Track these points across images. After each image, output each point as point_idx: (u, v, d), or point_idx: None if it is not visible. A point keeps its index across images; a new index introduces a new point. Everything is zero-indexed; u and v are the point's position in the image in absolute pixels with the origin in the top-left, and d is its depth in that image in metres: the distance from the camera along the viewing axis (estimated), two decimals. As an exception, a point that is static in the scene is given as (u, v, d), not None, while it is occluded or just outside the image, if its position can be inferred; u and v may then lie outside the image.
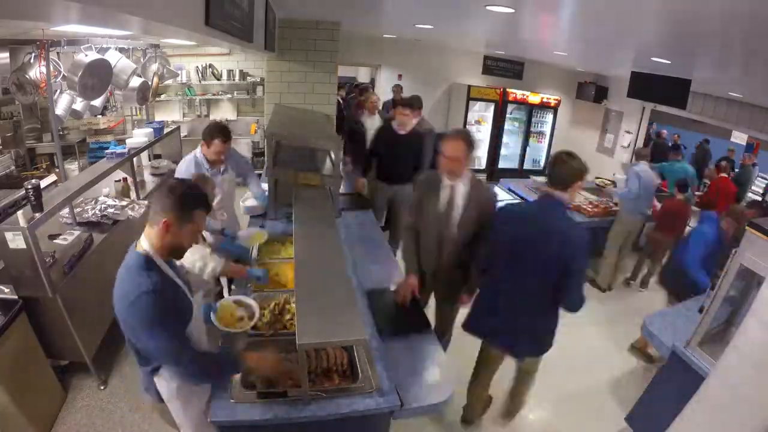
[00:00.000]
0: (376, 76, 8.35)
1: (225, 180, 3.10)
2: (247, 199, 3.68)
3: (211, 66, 6.62)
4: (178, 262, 1.75)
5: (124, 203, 3.52)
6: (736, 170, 7.74)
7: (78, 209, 3.28)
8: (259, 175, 5.77)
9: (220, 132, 2.87)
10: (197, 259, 2.23)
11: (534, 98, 8.36)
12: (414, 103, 4.19)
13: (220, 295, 2.57)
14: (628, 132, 8.15)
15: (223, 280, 2.92)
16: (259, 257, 2.86)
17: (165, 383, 1.65)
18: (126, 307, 1.43)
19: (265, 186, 3.58)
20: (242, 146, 6.66)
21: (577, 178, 2.07)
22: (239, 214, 3.58)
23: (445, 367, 2.15)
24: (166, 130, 4.77)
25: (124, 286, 1.46)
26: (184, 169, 2.91)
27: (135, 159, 3.99)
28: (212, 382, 1.75)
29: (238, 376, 1.83)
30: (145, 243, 1.52)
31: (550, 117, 8.72)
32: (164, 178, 2.42)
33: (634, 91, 5.85)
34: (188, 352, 1.53)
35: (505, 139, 8.57)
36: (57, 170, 4.11)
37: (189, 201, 1.52)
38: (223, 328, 2.01)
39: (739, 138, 7.27)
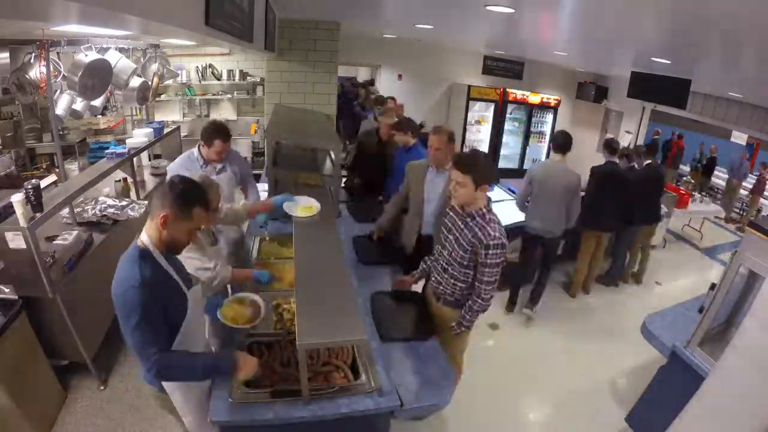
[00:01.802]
0: (376, 76, 8.35)
1: (223, 179, 3.09)
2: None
3: (211, 66, 6.62)
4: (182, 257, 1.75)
5: (124, 203, 3.51)
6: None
7: (78, 209, 3.28)
8: (259, 175, 5.78)
9: (220, 132, 2.84)
10: (209, 269, 2.18)
11: (534, 98, 8.37)
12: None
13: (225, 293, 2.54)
14: (628, 132, 8.16)
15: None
16: (259, 257, 2.86)
17: None
18: (116, 296, 1.49)
19: (263, 192, 3.54)
20: (242, 146, 6.66)
21: None
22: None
23: (445, 367, 2.15)
24: (166, 130, 4.77)
25: (118, 276, 1.52)
26: (176, 167, 2.88)
27: (135, 159, 3.99)
28: (186, 381, 1.70)
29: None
30: (144, 236, 1.55)
31: (550, 117, 8.73)
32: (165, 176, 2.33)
33: (634, 91, 5.86)
34: (157, 351, 1.51)
35: (505, 139, 8.57)
36: (57, 170, 4.10)
37: (188, 198, 1.54)
38: (230, 324, 1.98)
39: (739, 138, 7.29)
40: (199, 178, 2.33)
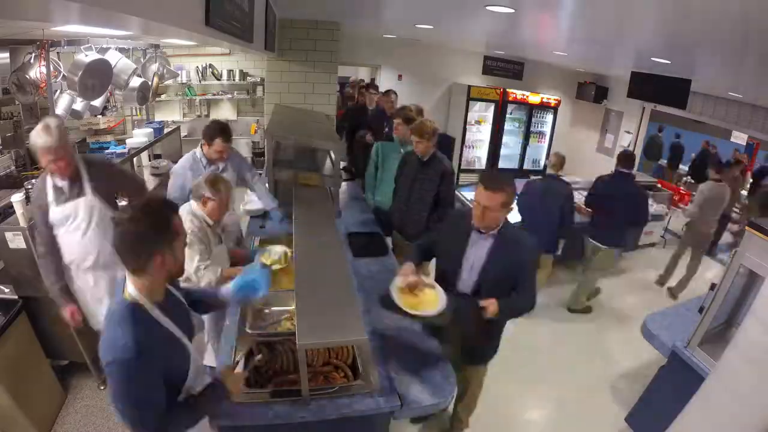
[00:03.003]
0: (376, 76, 8.35)
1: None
2: (248, 203, 3.68)
3: (211, 66, 6.62)
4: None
5: (124, 203, 3.51)
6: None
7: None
8: (259, 175, 5.79)
9: (222, 132, 2.86)
10: (192, 272, 2.23)
11: (534, 98, 8.36)
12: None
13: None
14: (628, 132, 8.15)
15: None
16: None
17: None
18: (105, 364, 1.26)
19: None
20: (242, 146, 6.66)
21: None
22: (239, 214, 3.58)
23: (445, 367, 2.15)
24: (166, 130, 4.78)
25: (106, 341, 1.28)
26: (181, 168, 2.92)
27: (135, 159, 3.99)
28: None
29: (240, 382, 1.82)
30: (132, 290, 1.31)
31: (550, 117, 8.72)
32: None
33: (634, 91, 5.85)
34: (154, 426, 1.32)
35: (505, 139, 8.56)
36: (57, 170, 4.10)
37: (164, 213, 1.32)
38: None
39: (739, 138, 7.28)
40: (208, 176, 2.36)
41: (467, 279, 2.17)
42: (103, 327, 1.33)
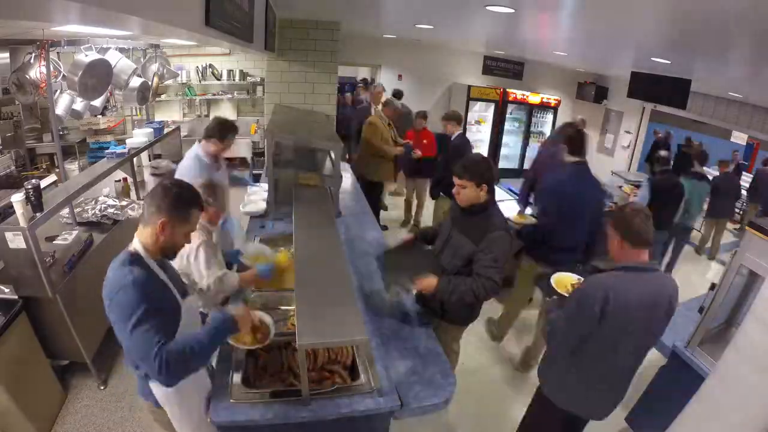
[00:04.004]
0: (376, 76, 8.35)
1: (223, 176, 3.14)
2: (248, 204, 3.69)
3: (211, 66, 6.62)
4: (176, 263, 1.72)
5: (124, 203, 3.52)
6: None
7: (78, 209, 3.28)
8: (259, 175, 5.78)
9: (234, 129, 3.04)
10: (212, 283, 2.16)
11: (534, 98, 8.37)
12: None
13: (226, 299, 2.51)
14: (628, 132, 8.16)
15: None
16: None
17: (161, 387, 1.58)
18: (108, 302, 1.44)
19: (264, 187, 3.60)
20: (242, 146, 6.67)
21: None
22: (239, 214, 3.58)
23: (445, 367, 2.15)
24: (166, 130, 4.77)
25: (108, 283, 1.47)
26: (188, 171, 2.87)
27: (135, 159, 3.99)
28: (200, 365, 1.60)
29: (238, 377, 1.83)
30: (136, 242, 1.53)
31: (550, 117, 8.73)
32: (161, 179, 2.26)
33: (634, 91, 5.85)
34: (162, 345, 1.39)
35: (505, 139, 8.57)
36: (57, 170, 4.11)
37: (185, 201, 1.53)
38: (237, 345, 1.85)
39: (739, 138, 7.29)
40: (203, 183, 2.34)
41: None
42: (108, 272, 1.49)
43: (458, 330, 2.59)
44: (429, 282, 2.21)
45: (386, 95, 5.93)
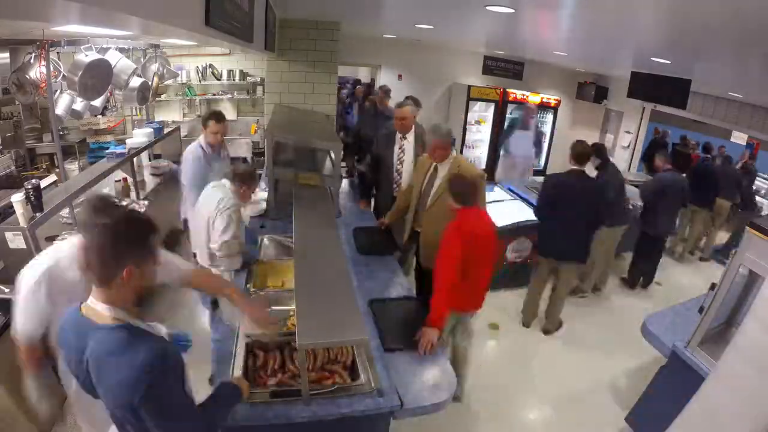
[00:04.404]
0: (376, 76, 8.35)
1: (221, 166, 3.34)
2: (248, 206, 3.69)
3: (211, 66, 6.62)
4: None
5: (124, 203, 3.52)
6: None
7: (78, 209, 3.28)
8: (259, 175, 5.77)
9: (213, 115, 3.31)
10: (227, 240, 2.54)
11: (534, 98, 8.37)
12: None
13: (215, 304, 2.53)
14: (628, 132, 8.16)
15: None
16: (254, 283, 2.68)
17: None
18: (132, 395, 1.12)
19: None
20: (242, 146, 6.67)
21: None
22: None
23: (446, 367, 2.15)
24: (166, 130, 4.78)
25: (116, 377, 1.14)
26: (190, 157, 3.24)
27: (135, 159, 3.99)
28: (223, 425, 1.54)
29: (238, 376, 1.83)
30: (107, 312, 1.18)
31: (550, 117, 8.72)
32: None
33: (634, 91, 5.85)
34: (196, 417, 1.28)
35: (505, 139, 8.57)
36: (57, 170, 4.11)
37: (145, 230, 1.23)
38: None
39: (739, 138, 7.28)
40: (235, 171, 2.65)
41: None
42: (99, 368, 1.16)
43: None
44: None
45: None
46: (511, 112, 8.10)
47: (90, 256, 1.14)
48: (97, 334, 1.17)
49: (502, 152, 7.86)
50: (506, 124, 7.97)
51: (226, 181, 2.66)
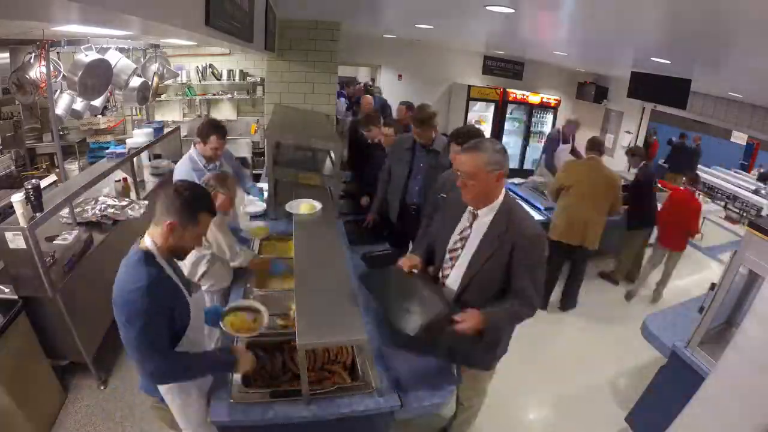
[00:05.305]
0: (376, 76, 8.36)
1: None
2: (248, 205, 3.69)
3: (211, 66, 6.61)
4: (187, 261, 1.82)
5: (124, 203, 3.51)
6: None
7: (78, 209, 3.28)
8: (259, 175, 5.77)
9: (216, 129, 2.93)
10: (231, 244, 2.47)
11: (534, 98, 8.37)
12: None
13: (227, 296, 2.56)
14: (628, 132, 8.16)
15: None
16: (260, 253, 2.90)
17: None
18: (118, 301, 1.45)
19: (263, 185, 3.63)
20: (242, 146, 6.66)
21: None
22: (239, 214, 3.58)
23: (445, 367, 2.15)
24: (166, 130, 4.77)
25: (121, 280, 1.48)
26: (183, 171, 2.90)
27: (135, 159, 3.98)
28: (190, 380, 1.68)
29: (238, 376, 1.83)
30: (148, 240, 1.53)
31: (550, 117, 8.72)
32: (166, 178, 2.38)
33: (634, 91, 5.85)
34: (160, 356, 1.50)
35: (505, 139, 8.56)
36: (57, 170, 4.11)
37: (195, 204, 1.53)
38: (234, 333, 1.95)
39: (739, 138, 7.29)
40: (216, 174, 2.47)
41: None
42: (119, 271, 1.51)
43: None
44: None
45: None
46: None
47: (158, 198, 1.53)
48: (131, 251, 1.54)
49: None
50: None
51: None
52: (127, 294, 1.43)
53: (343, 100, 7.82)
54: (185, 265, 2.29)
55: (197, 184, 1.64)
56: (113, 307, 1.48)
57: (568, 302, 4.29)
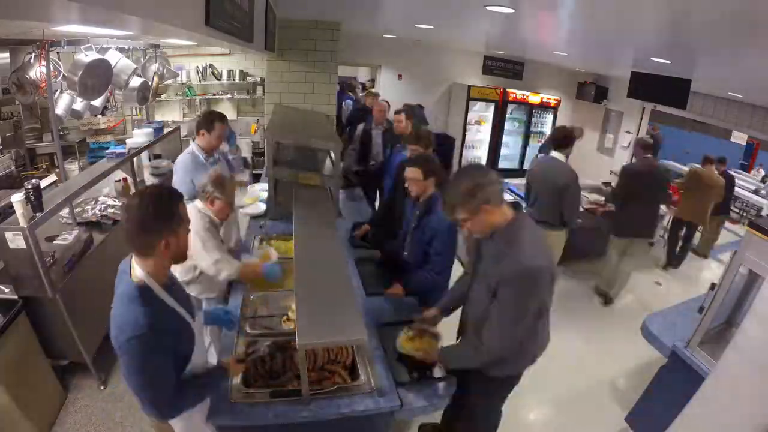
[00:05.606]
0: (376, 76, 8.35)
1: (219, 169, 3.16)
2: (247, 207, 3.70)
3: (211, 66, 6.62)
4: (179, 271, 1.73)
5: (124, 203, 3.52)
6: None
7: (78, 209, 3.28)
8: (259, 175, 5.75)
9: (220, 117, 3.00)
10: (212, 264, 2.33)
11: (534, 98, 8.36)
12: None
13: (226, 300, 2.56)
14: (628, 132, 8.15)
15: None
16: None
17: None
18: (119, 343, 1.32)
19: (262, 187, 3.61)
20: (242, 146, 6.67)
21: None
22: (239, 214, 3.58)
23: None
24: (166, 130, 4.77)
25: (119, 320, 1.35)
26: (185, 167, 2.93)
27: (135, 159, 3.99)
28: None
29: (238, 377, 1.83)
30: (138, 272, 1.38)
31: (550, 117, 8.72)
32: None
33: (634, 91, 5.85)
34: (165, 399, 1.42)
35: (505, 139, 8.56)
36: (57, 170, 4.11)
37: (166, 204, 1.37)
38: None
39: (739, 138, 7.28)
40: (214, 177, 2.41)
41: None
42: (114, 307, 1.39)
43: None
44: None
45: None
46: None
47: (131, 232, 1.34)
48: (124, 279, 1.41)
49: None
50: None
51: (197, 202, 2.43)
52: (126, 343, 1.30)
53: (350, 102, 7.70)
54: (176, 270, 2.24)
55: (143, 191, 1.40)
56: (112, 341, 1.36)
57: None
